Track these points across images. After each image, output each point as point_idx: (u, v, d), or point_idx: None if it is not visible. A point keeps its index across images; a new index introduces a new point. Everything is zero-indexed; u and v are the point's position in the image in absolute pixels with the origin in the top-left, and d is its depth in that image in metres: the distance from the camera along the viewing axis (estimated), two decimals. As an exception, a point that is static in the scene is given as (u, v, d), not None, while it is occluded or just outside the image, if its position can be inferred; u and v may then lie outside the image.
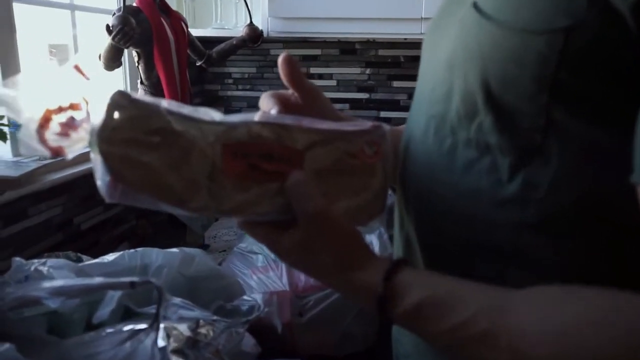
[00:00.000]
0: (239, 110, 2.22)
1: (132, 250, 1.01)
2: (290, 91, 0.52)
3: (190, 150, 0.40)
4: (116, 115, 0.39)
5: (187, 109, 0.41)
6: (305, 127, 0.44)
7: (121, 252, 1.00)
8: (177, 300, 0.92)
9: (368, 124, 0.48)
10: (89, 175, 1.44)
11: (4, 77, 1.24)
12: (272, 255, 1.20)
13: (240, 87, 2.21)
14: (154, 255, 1.00)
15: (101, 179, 0.39)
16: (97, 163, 0.39)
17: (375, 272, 0.43)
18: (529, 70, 0.41)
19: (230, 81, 2.21)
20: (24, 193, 1.21)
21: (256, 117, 0.44)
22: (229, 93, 2.23)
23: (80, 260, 1.27)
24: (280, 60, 0.49)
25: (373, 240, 1.24)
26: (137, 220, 1.64)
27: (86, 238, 1.46)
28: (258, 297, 0.93)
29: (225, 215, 0.42)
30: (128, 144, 0.38)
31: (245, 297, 0.96)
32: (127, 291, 0.71)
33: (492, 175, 0.44)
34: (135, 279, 0.72)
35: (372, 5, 1.66)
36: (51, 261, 0.92)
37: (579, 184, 0.41)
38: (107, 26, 1.31)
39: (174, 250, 1.04)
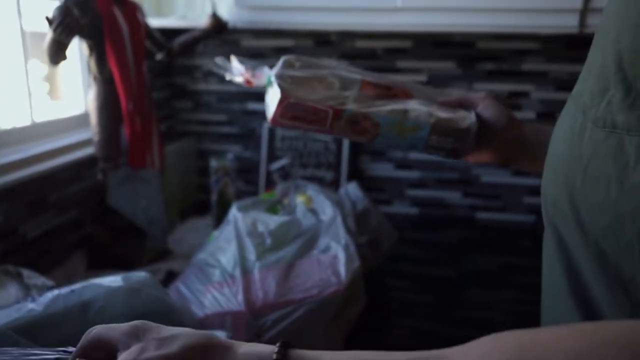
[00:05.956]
0: (208, 105, 2.10)
1: (68, 290, 0.88)
2: None
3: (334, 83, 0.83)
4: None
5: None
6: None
7: (55, 294, 0.87)
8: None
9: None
10: (37, 179, 1.33)
11: None
12: (229, 269, 1.10)
13: (209, 80, 2.09)
14: (94, 294, 0.87)
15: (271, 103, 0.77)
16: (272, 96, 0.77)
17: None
18: None
19: (199, 74, 2.09)
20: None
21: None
22: (198, 87, 2.11)
23: (20, 275, 1.16)
24: None
25: (339, 251, 1.14)
26: (95, 225, 1.53)
27: (33, 248, 1.35)
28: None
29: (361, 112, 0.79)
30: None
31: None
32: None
33: (618, 159, 0.42)
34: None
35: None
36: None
37: None
38: (47, 18, 1.19)
39: (117, 281, 0.91)
